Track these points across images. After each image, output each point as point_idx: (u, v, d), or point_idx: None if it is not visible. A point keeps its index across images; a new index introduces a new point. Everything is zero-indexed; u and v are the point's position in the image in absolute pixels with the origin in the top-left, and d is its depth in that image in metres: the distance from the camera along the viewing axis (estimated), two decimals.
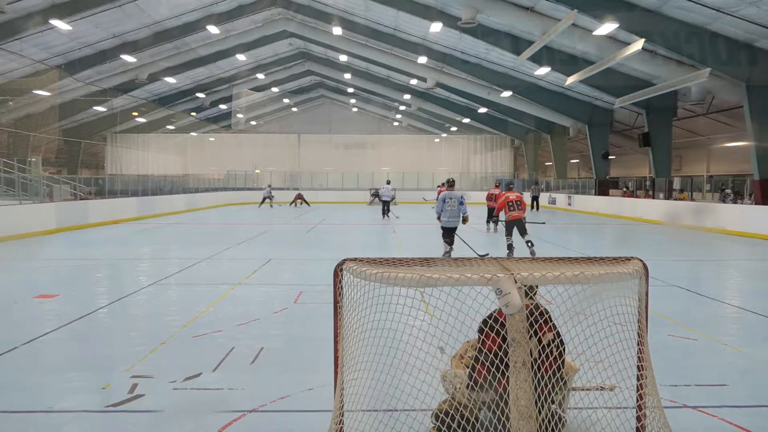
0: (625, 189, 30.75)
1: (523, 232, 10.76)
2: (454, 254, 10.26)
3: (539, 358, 2.85)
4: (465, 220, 10.17)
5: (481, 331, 2.98)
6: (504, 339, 2.68)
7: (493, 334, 2.87)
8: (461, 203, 10.06)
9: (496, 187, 17.31)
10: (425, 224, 17.94)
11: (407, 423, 3.16)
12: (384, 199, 22.74)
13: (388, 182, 24.80)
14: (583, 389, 3.31)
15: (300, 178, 41.70)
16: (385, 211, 22.49)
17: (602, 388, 3.22)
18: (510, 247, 10.92)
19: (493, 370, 2.83)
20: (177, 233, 17.07)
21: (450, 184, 10.32)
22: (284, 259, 11.03)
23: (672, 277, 8.63)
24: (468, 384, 3.16)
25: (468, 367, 3.27)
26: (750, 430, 3.43)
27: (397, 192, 33.45)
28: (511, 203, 10.77)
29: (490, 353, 2.88)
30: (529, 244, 10.68)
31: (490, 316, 2.92)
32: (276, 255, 11.43)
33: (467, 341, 3.49)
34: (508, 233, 11.01)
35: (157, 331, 5.54)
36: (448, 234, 10.28)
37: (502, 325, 2.73)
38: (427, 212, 23.13)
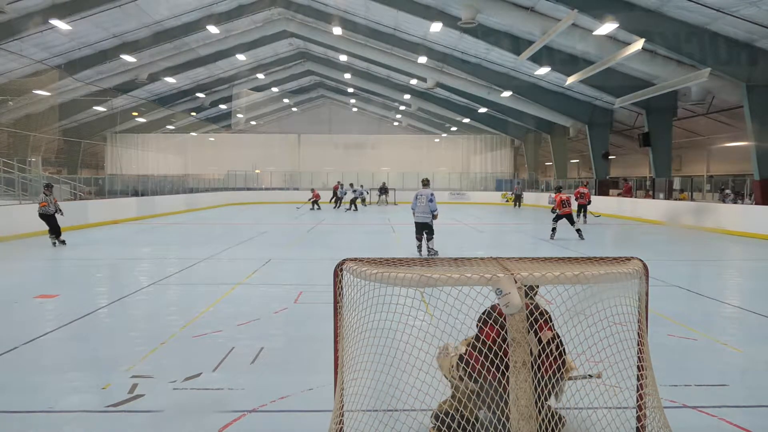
0: (625, 182, 30.25)
1: (572, 223, 14.26)
2: (453, 254, 10.29)
3: (539, 358, 2.85)
4: (434, 217, 10.75)
5: (480, 320, 2.99)
6: (503, 326, 2.67)
7: (491, 321, 2.89)
8: (431, 200, 10.61)
9: (584, 186, 21.18)
10: None
11: (407, 423, 3.16)
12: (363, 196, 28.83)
13: (361, 184, 31.15)
14: (569, 379, 3.31)
15: (300, 178, 41.70)
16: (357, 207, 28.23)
17: (589, 377, 3.22)
18: (554, 230, 14.27)
19: (483, 360, 2.83)
20: (177, 233, 17.07)
21: (424, 183, 11.23)
22: (284, 259, 11.03)
23: (672, 277, 8.63)
24: (459, 366, 3.14)
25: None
26: (750, 430, 3.43)
27: (397, 191, 35.70)
28: (564, 201, 14.23)
29: (488, 340, 2.88)
30: (579, 231, 14.21)
31: (493, 308, 2.93)
32: (276, 255, 11.43)
33: (465, 339, 3.50)
34: (557, 220, 14.24)
35: (157, 331, 5.53)
36: (418, 229, 10.93)
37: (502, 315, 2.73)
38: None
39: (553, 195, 14.81)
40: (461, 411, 3.03)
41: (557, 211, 14.27)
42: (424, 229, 10.83)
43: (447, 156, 44.45)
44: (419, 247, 11.01)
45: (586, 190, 20.45)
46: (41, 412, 3.66)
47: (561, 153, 33.35)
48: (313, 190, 29.54)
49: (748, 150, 17.03)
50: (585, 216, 20.01)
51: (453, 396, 3.22)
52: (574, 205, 19.82)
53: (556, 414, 2.96)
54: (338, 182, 32.26)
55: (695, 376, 4.35)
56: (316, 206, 28.58)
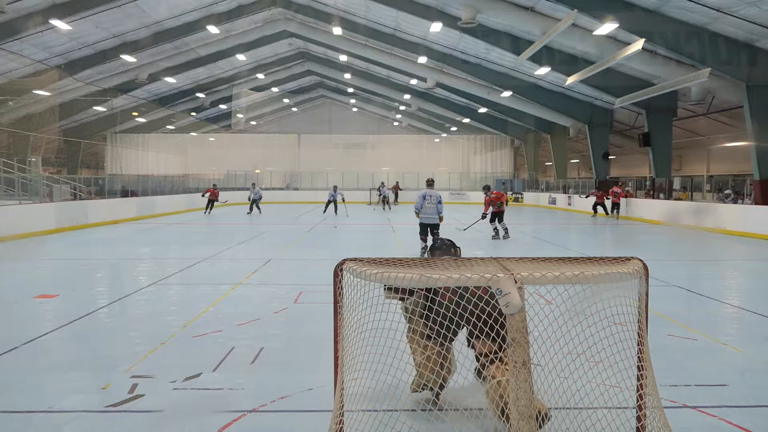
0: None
1: (499, 221, 14.73)
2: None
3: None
4: (440, 220, 10.67)
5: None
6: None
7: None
8: (439, 202, 10.58)
9: (619, 186, 23.19)
10: None
11: (407, 423, 3.16)
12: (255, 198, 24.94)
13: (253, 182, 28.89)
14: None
15: (300, 178, 41.69)
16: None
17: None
18: (497, 230, 14.47)
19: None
20: (177, 233, 17.07)
21: (429, 183, 11.10)
22: (284, 259, 11.03)
23: (672, 277, 8.63)
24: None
25: None
26: (750, 430, 3.43)
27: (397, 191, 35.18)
28: (493, 202, 14.57)
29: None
30: (506, 230, 14.35)
31: None
32: (276, 255, 11.43)
33: None
34: (493, 221, 14.61)
35: (157, 331, 5.53)
36: (424, 231, 10.81)
37: None
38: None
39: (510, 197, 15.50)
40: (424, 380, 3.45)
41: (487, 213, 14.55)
42: (432, 229, 10.66)
43: (447, 156, 44.45)
44: (424, 248, 10.80)
45: (619, 190, 22.39)
46: (41, 412, 3.66)
47: (561, 153, 33.34)
48: (214, 187, 25.07)
49: (748, 150, 17.03)
50: (617, 213, 21.99)
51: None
52: (608, 204, 22.43)
53: (543, 409, 2.98)
54: (382, 182, 32.81)
55: (695, 376, 4.35)
56: (210, 208, 24.01)
